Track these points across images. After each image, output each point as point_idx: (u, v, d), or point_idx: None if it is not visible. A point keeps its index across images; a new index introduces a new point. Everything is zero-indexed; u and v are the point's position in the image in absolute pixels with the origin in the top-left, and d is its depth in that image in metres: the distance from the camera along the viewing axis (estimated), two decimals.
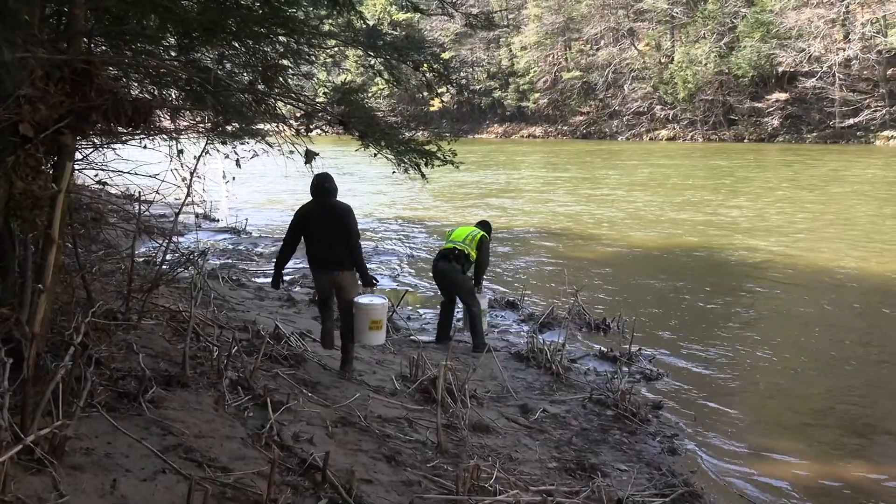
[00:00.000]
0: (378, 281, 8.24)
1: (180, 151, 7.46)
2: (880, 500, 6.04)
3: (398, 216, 22.79)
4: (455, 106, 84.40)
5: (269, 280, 8.17)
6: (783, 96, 61.47)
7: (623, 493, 5.44)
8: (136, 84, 6.95)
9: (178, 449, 4.49)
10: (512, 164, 42.67)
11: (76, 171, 7.74)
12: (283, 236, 7.80)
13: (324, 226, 7.42)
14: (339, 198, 7.65)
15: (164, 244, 8.30)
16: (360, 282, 7.55)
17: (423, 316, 11.46)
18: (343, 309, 7.59)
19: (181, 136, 7.40)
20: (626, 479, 5.93)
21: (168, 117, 7.33)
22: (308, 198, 7.64)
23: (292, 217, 7.73)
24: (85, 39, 5.39)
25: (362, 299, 7.46)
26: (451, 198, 26.87)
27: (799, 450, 6.97)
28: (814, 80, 57.82)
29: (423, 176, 7.31)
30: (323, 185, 7.50)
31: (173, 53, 6.62)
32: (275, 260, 7.89)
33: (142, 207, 7.65)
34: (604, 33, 76.83)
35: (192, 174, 7.07)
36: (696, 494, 5.81)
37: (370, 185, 28.97)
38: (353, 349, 7.66)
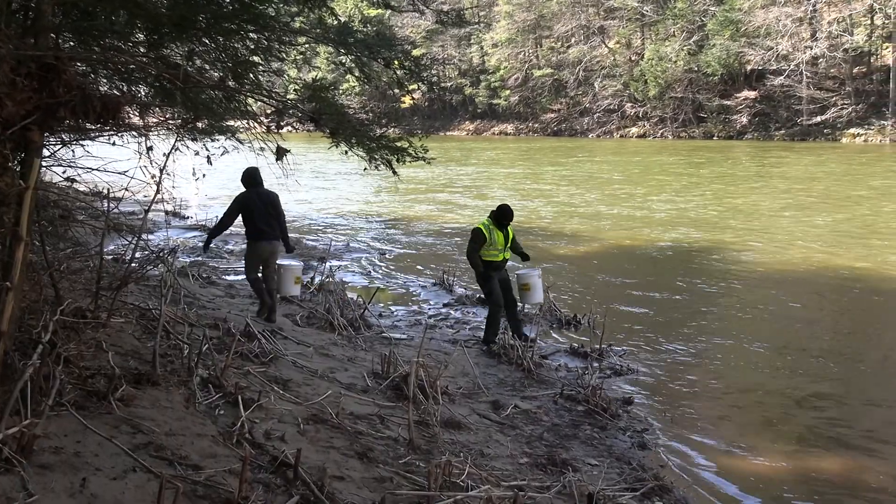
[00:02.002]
0: (294, 248, 10.70)
1: (150, 148, 7.40)
2: (848, 493, 6.13)
3: (351, 212, 22.87)
4: (426, 103, 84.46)
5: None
6: (752, 94, 62.03)
7: (594, 487, 5.48)
8: (104, 80, 6.90)
9: (149, 447, 4.46)
10: (463, 160, 42.77)
11: (44, 168, 7.64)
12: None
13: (264, 208, 9.35)
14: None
15: (134, 242, 8.23)
16: (285, 251, 9.84)
17: (395, 313, 11.46)
18: (272, 271, 9.61)
19: (150, 133, 7.34)
20: (596, 473, 5.98)
21: (137, 114, 7.27)
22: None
23: (232, 202, 9.47)
24: (53, 35, 5.33)
25: (285, 262, 10.05)
26: (399, 192, 27.54)
27: (767, 444, 7.06)
28: (781, 78, 58.35)
29: (394, 172, 7.32)
30: (256, 177, 9.36)
31: (142, 49, 6.56)
32: (211, 230, 9.78)
33: (111, 205, 7.57)
34: (574, 31, 77.07)
35: (161, 171, 7.01)
36: (666, 488, 5.88)
37: (327, 181, 29.35)
38: (276, 300, 9.67)
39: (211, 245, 10.32)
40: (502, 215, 9.70)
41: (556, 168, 38.82)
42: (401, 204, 25.26)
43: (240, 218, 9.45)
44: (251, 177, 9.36)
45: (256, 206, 9.32)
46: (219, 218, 9.69)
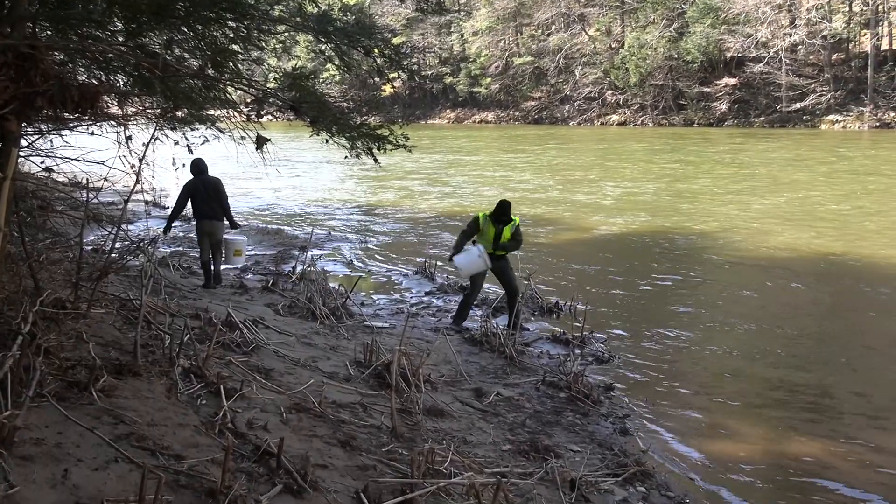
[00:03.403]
0: (241, 224, 12.08)
1: (129, 138, 7.36)
2: (828, 478, 6.19)
3: (322, 200, 22.91)
4: (407, 91, 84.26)
5: (222, 267, 11.14)
6: (731, 81, 62.32)
7: (576, 473, 5.52)
8: (82, 69, 6.83)
9: (131, 437, 4.44)
10: (430, 149, 42.94)
11: (21, 158, 7.59)
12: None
13: (207, 193, 10.91)
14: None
15: (113, 232, 8.18)
16: (228, 226, 11.19)
17: (377, 302, 11.46)
18: (216, 245, 11.14)
19: (129, 122, 7.30)
20: (578, 459, 6.02)
21: (116, 103, 7.23)
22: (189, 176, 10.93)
23: (182, 188, 11.02)
24: (29, 24, 5.28)
25: (229, 236, 11.30)
26: (366, 179, 28.50)
27: (748, 428, 7.12)
28: (761, 65, 58.67)
29: (375, 160, 7.30)
30: (201, 166, 10.98)
31: (121, 38, 6.51)
32: (169, 216, 11.19)
33: (90, 195, 7.52)
34: (554, 18, 77.07)
35: (140, 161, 6.97)
36: (648, 473, 5.92)
37: (295, 170, 29.81)
38: (220, 269, 11.36)
39: (171, 230, 11.60)
40: (500, 211, 9.79)
41: (523, 155, 39.51)
42: (371, 192, 25.72)
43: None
44: (196, 167, 10.94)
45: (200, 192, 10.91)
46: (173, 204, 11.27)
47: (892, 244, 15.07)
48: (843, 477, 6.19)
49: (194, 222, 11.52)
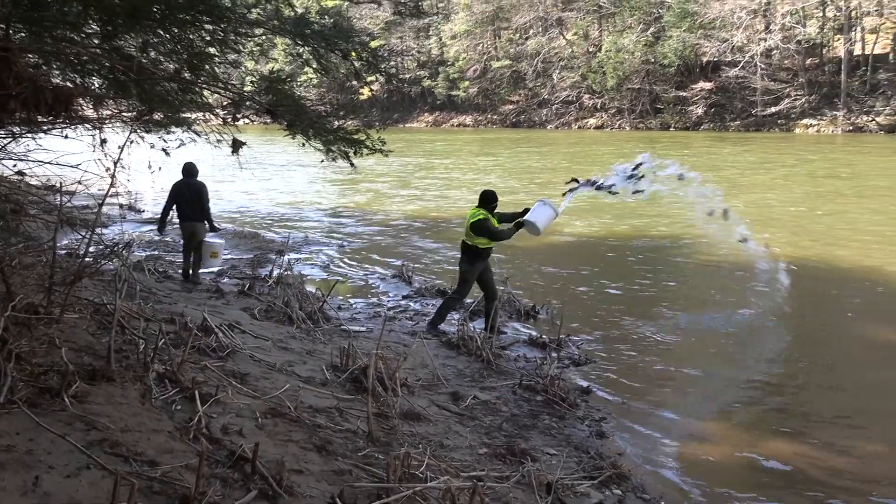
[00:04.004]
0: (220, 227, 12.84)
1: (104, 141, 7.30)
2: (803, 479, 6.24)
3: (294, 203, 22.91)
4: (385, 95, 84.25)
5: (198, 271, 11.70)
6: (707, 85, 62.83)
7: (552, 476, 5.53)
8: (56, 72, 6.78)
9: (103, 444, 4.40)
10: (403, 152, 43.15)
11: None
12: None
13: (190, 196, 11.68)
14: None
15: (87, 236, 8.12)
16: (208, 229, 11.86)
17: (354, 305, 11.44)
18: (196, 246, 11.82)
19: (104, 126, 7.24)
20: (555, 462, 6.03)
21: (91, 106, 7.17)
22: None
23: (170, 189, 11.82)
24: (3, 25, 5.24)
25: (207, 239, 11.93)
26: (337, 182, 28.64)
27: (724, 431, 7.17)
28: (737, 69, 59.20)
29: (351, 164, 7.30)
30: (191, 170, 11.82)
31: (96, 41, 6.47)
32: (160, 216, 12.00)
33: (63, 198, 7.46)
34: (532, 22, 77.38)
35: (115, 164, 6.92)
36: (624, 476, 5.95)
37: (267, 174, 29.87)
38: (199, 270, 12.02)
39: (165, 227, 12.16)
40: (493, 199, 9.89)
41: (493, 159, 39.87)
42: (341, 195, 25.90)
43: None
44: (186, 170, 11.81)
45: (183, 195, 11.70)
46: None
47: (842, 245, 15.35)
48: (817, 477, 6.24)
49: (178, 223, 12.22)
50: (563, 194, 9.92)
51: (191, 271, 11.95)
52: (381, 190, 26.80)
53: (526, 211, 9.88)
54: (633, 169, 9.77)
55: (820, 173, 29.64)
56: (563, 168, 33.42)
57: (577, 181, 9.86)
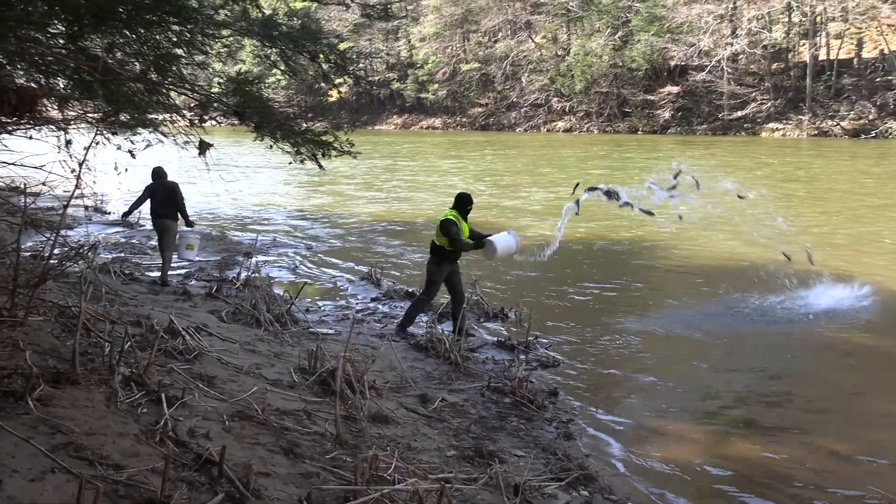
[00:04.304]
0: (194, 223, 12.95)
1: (69, 142, 7.25)
2: (768, 479, 6.31)
3: (259, 205, 22.90)
4: (354, 97, 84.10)
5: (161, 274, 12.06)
6: (675, 89, 63.38)
7: (520, 478, 5.54)
8: (21, 72, 6.72)
9: (68, 447, 4.36)
10: (369, 154, 43.29)
11: None
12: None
13: (163, 195, 12.18)
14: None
15: (52, 238, 8.04)
16: (184, 225, 12.38)
17: (322, 308, 11.41)
18: (168, 243, 12.24)
19: (70, 127, 7.18)
20: (523, 464, 6.05)
21: (56, 107, 7.11)
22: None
23: (144, 188, 12.30)
24: None
25: (183, 230, 12.42)
26: (303, 185, 28.90)
27: (690, 432, 7.23)
28: (704, 73, 59.74)
29: (320, 166, 7.29)
30: (159, 173, 12.37)
31: (61, 41, 6.41)
32: (131, 205, 12.54)
33: (28, 200, 7.39)
34: (501, 25, 77.62)
35: (81, 165, 6.86)
36: (591, 477, 5.98)
37: (231, 175, 30.00)
38: (170, 263, 12.43)
39: (129, 215, 12.97)
40: (468, 202, 9.88)
41: (458, 161, 40.17)
42: (305, 197, 26.13)
43: None
44: (155, 173, 12.40)
45: (157, 194, 12.23)
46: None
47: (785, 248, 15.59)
48: (783, 478, 6.31)
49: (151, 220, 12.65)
50: (575, 200, 10.02)
51: (160, 275, 12.22)
52: (346, 192, 26.87)
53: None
54: (673, 178, 9.98)
55: (778, 176, 30.26)
56: (526, 171, 33.72)
57: (597, 189, 9.98)
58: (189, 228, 12.51)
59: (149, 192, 12.27)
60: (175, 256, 12.52)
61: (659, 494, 6.05)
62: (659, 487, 6.15)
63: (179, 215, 12.30)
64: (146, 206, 12.34)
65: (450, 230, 9.67)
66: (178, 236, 12.33)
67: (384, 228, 19.06)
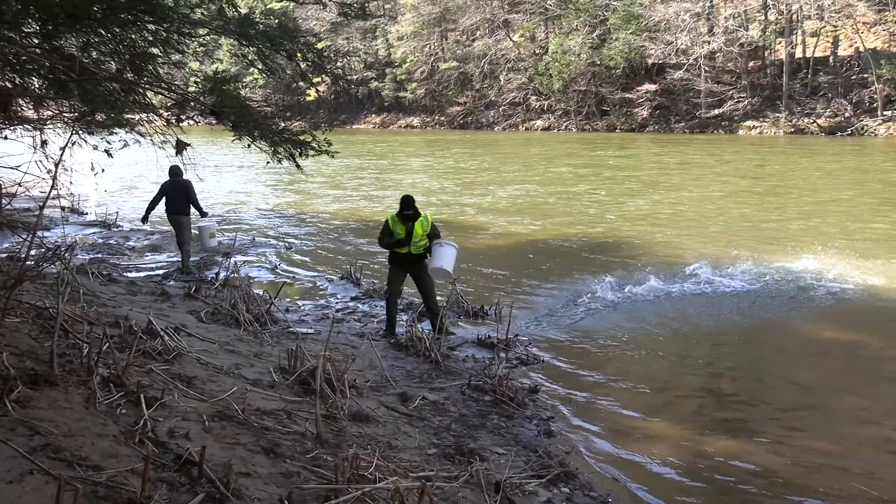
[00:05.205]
0: (208, 213, 14.23)
1: (44, 142, 7.19)
2: (746, 475, 6.35)
3: (235, 204, 22.77)
4: (332, 96, 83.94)
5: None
6: (652, 87, 63.64)
7: (501, 475, 5.56)
8: None
9: (47, 449, 4.34)
10: (342, 153, 43.58)
11: None
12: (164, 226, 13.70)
13: (176, 192, 13.23)
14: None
15: (29, 239, 7.98)
16: (199, 215, 13.64)
17: (302, 307, 11.39)
18: (183, 237, 13.40)
19: (45, 127, 7.13)
20: (503, 462, 6.07)
21: (31, 106, 7.05)
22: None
23: (160, 187, 13.30)
24: None
25: (202, 223, 14.08)
26: (275, 184, 29.15)
27: (670, 429, 7.27)
28: (681, 71, 59.99)
29: (297, 166, 7.27)
30: (177, 171, 13.08)
31: (36, 40, 6.36)
32: (146, 208, 13.49)
33: (3, 201, 7.33)
34: (479, 24, 77.65)
35: (57, 166, 6.80)
36: (572, 474, 6.01)
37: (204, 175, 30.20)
38: (189, 255, 13.60)
39: (147, 219, 13.84)
40: (404, 206, 9.78)
41: (428, 159, 40.73)
42: (276, 195, 26.35)
43: None
44: (171, 171, 13.15)
45: (170, 192, 13.22)
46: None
47: (746, 244, 15.85)
48: (760, 473, 6.36)
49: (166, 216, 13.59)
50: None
51: (181, 264, 13.43)
52: (313, 190, 27.10)
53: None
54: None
55: (736, 173, 31.01)
56: (491, 169, 34.21)
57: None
58: (207, 221, 14.06)
59: (162, 191, 13.27)
60: (198, 247, 14.15)
61: (639, 491, 6.08)
62: (639, 483, 6.18)
63: (194, 209, 13.37)
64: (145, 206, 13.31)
65: (382, 229, 10.00)
66: (198, 229, 14.02)
67: (357, 227, 19.03)
